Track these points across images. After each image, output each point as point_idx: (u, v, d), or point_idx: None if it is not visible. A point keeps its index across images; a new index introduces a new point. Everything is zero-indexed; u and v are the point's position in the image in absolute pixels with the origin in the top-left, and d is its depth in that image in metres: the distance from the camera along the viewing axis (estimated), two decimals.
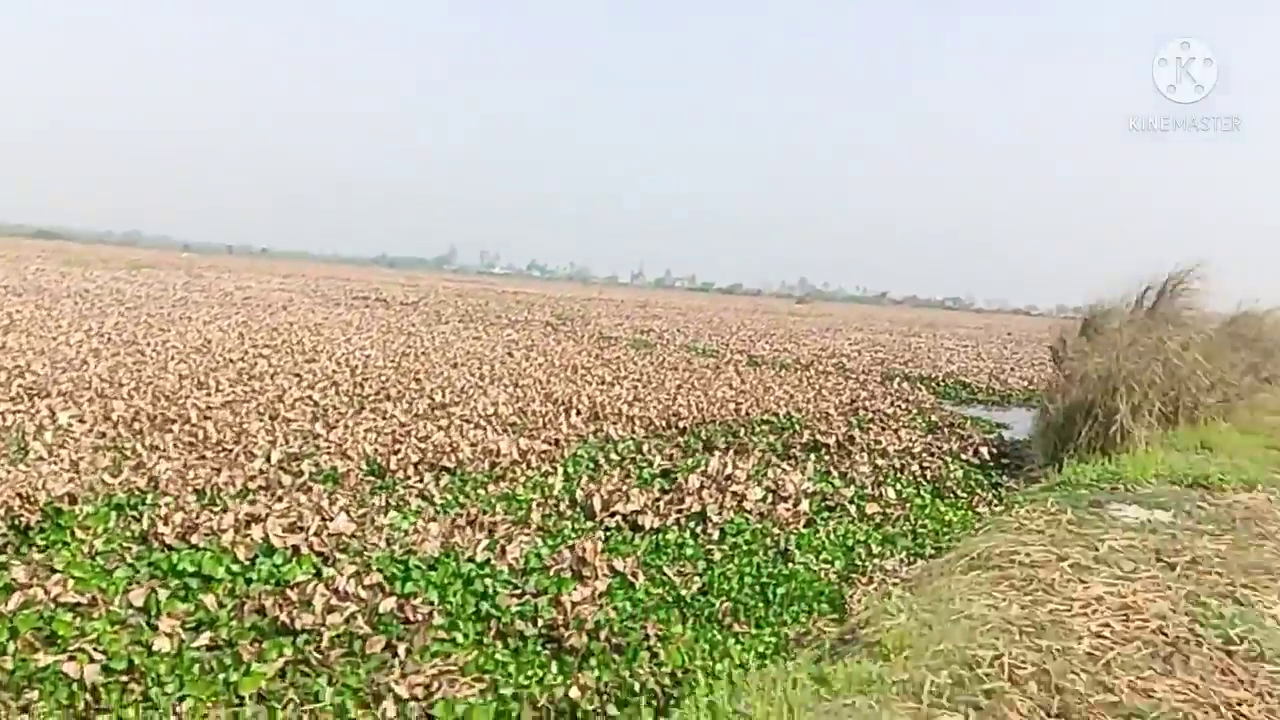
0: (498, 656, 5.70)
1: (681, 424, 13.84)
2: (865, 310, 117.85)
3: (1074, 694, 4.17)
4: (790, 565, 7.53)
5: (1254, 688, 4.48)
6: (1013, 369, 29.94)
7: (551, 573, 6.82)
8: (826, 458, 12.09)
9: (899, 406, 18.20)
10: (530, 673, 5.53)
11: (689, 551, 7.69)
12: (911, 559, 8.04)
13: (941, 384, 24.35)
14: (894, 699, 4.08)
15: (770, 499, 9.47)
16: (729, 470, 10.43)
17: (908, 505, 9.93)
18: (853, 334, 47.42)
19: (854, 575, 7.44)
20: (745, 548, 7.95)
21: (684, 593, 6.67)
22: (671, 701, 5.09)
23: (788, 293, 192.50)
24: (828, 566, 7.60)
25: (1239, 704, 4.25)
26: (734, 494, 9.37)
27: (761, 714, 3.72)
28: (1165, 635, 5.08)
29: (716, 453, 11.57)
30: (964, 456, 12.48)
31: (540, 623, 6.02)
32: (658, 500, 9.02)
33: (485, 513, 8.22)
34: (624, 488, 9.29)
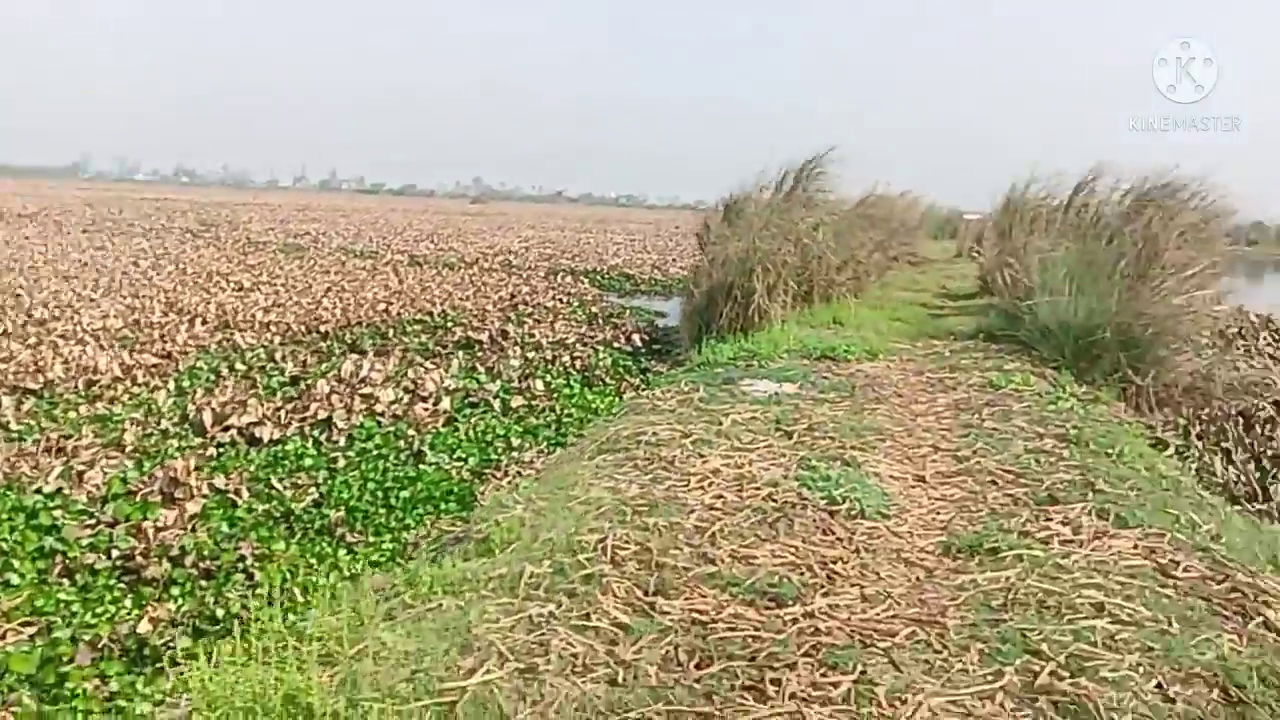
0: (60, 596, 4.89)
1: (324, 328, 12.97)
2: (541, 209, 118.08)
3: (674, 569, 4.01)
4: (421, 467, 7.08)
5: (851, 544, 4.53)
6: (675, 260, 30.83)
7: (137, 498, 5.98)
8: (479, 354, 11.70)
9: (560, 300, 18.11)
10: (100, 610, 4.78)
11: (309, 462, 7.05)
12: (552, 449, 7.82)
13: (606, 277, 24.59)
14: (488, 595, 3.74)
15: (408, 400, 8.95)
16: (364, 373, 9.80)
17: (555, 396, 9.73)
18: (525, 232, 47.16)
19: (488, 471, 7.11)
20: (375, 453, 7.42)
21: (295, 506, 6.07)
22: (256, 623, 4.52)
23: (463, 193, 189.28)
24: (461, 464, 7.22)
25: (834, 561, 4.26)
26: (365, 397, 8.77)
27: (326, 628, 3.25)
28: (775, 501, 5.08)
29: (353, 356, 10.88)
30: (616, 345, 12.50)
31: (115, 554, 5.23)
32: (280, 409, 8.27)
33: (70, 437, 7.16)
34: (243, 398, 8.43)
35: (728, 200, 13.72)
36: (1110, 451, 6.46)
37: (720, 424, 6.60)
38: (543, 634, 3.36)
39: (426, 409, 8.69)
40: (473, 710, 2.84)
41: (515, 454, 7.63)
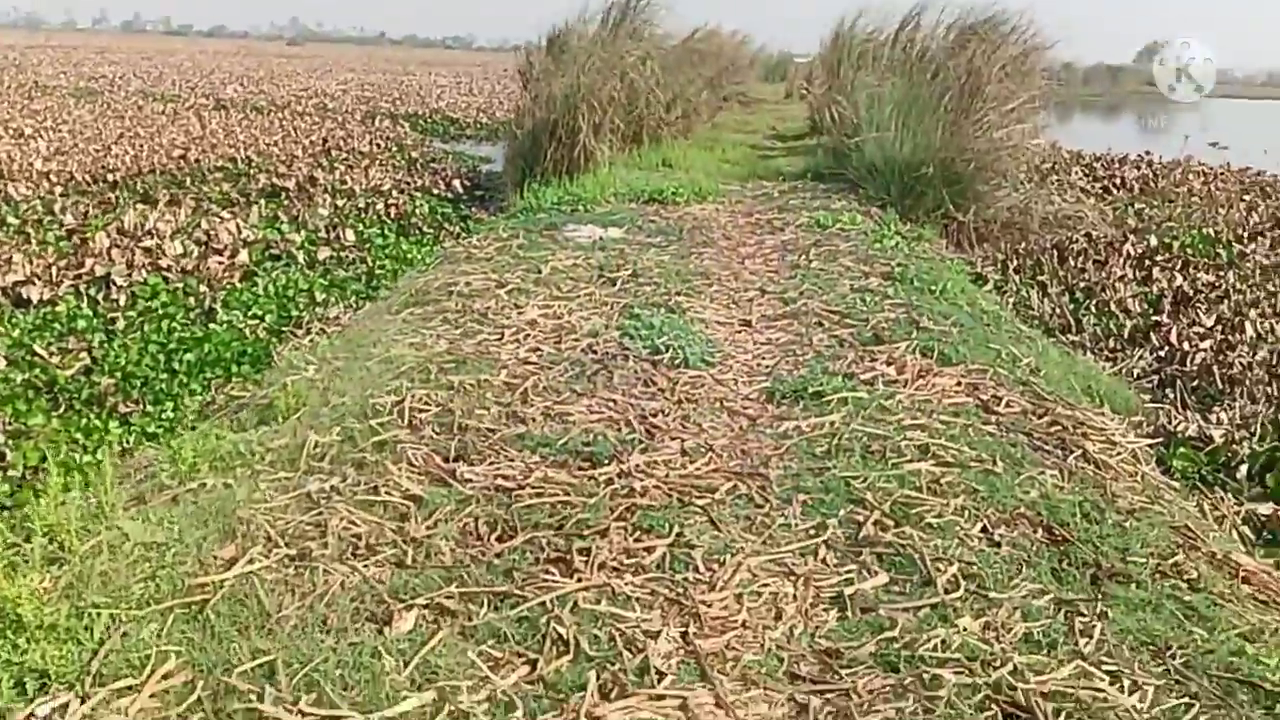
0: None
1: (113, 177, 11.76)
2: (363, 51, 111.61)
3: (479, 431, 3.65)
4: (211, 326, 6.44)
5: (673, 395, 4.27)
6: (502, 103, 29.58)
7: None
8: (285, 203, 10.83)
9: (377, 146, 17.03)
10: None
11: (82, 324, 6.31)
12: (360, 303, 7.27)
13: (429, 121, 23.39)
14: (263, 471, 3.31)
15: (201, 253, 8.17)
16: (151, 224, 8.90)
17: (367, 247, 9.09)
18: (343, 75, 44.35)
19: (287, 330, 6.53)
20: (160, 312, 6.71)
21: (62, 375, 5.39)
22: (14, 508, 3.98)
23: (279, 34, 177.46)
24: (257, 323, 6.60)
25: (654, 415, 4.00)
26: (150, 251, 7.96)
27: (56, 520, 2.76)
28: (594, 353, 4.77)
29: (141, 206, 9.89)
30: (436, 192, 11.79)
31: None
32: (52, 266, 7.40)
33: None
34: (8, 255, 7.50)
35: (551, 34, 12.94)
36: (934, 288, 6.39)
37: (540, 272, 6.20)
38: (321, 513, 2.97)
39: (221, 263, 7.94)
40: (227, 609, 2.45)
41: (319, 310, 7.04)
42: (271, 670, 2.22)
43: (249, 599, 2.50)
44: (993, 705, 2.12)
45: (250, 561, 2.66)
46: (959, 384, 4.49)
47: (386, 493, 3.11)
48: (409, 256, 8.98)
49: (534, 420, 3.82)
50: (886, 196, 9.90)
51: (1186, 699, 2.18)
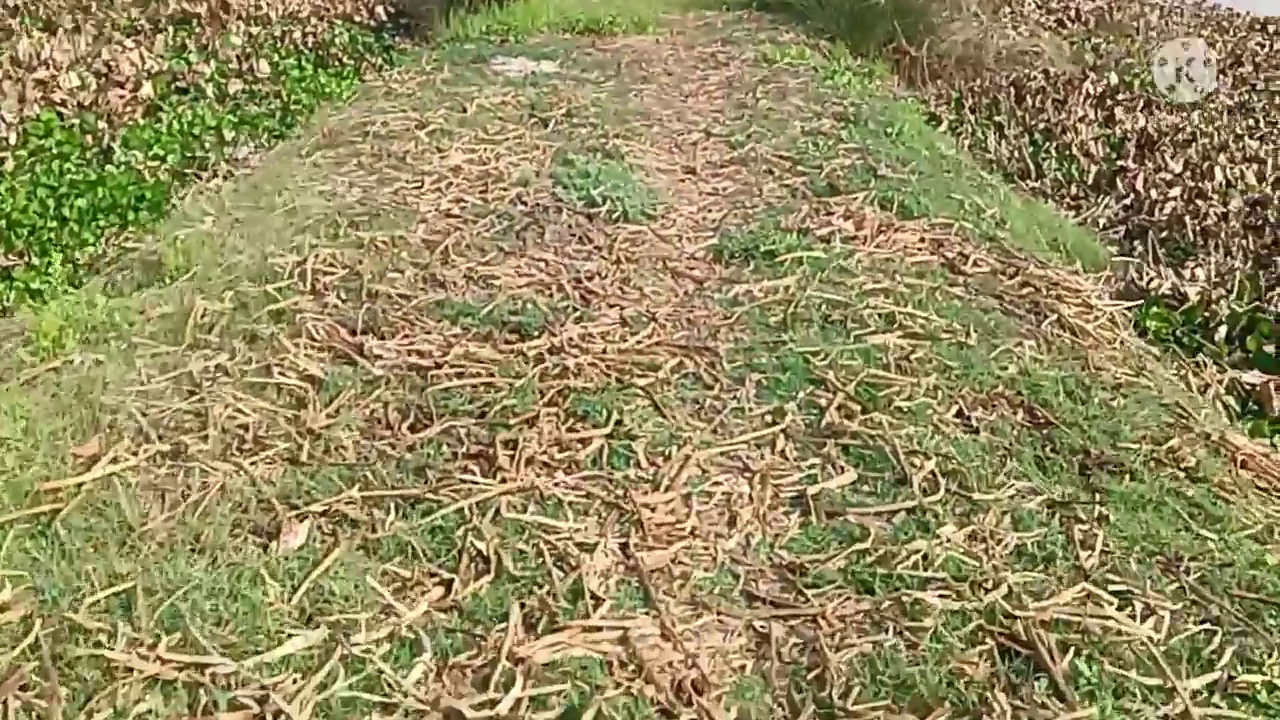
0: None
1: (13, 1, 10.69)
2: None
3: (392, 298, 3.23)
4: (108, 168, 5.82)
5: (611, 254, 3.86)
6: None
7: None
8: (195, 30, 9.92)
9: None
10: None
11: None
12: (273, 142, 6.65)
13: None
14: (141, 344, 2.87)
15: (100, 86, 7.41)
16: (48, 53, 8.06)
17: (283, 80, 8.35)
18: None
19: (191, 172, 5.93)
20: (53, 152, 6.06)
21: None
22: None
23: None
24: (159, 164, 5.99)
25: (591, 277, 3.60)
26: (44, 83, 7.18)
27: None
28: (524, 205, 4.31)
29: (36, 33, 8.96)
30: (358, 19, 10.88)
31: None
32: None
33: None
34: None
35: None
36: (889, 131, 5.95)
37: (465, 111, 5.63)
38: (203, 399, 2.56)
39: (122, 96, 7.19)
40: (81, 522, 2.06)
41: (228, 149, 6.43)
42: (129, 602, 1.86)
43: (109, 508, 2.12)
44: (986, 638, 1.84)
45: (114, 460, 2.27)
46: (922, 240, 4.13)
47: (281, 373, 2.71)
48: (327, 90, 8.25)
49: (455, 285, 3.40)
50: (836, 28, 9.30)
51: (1208, 625, 1.91)
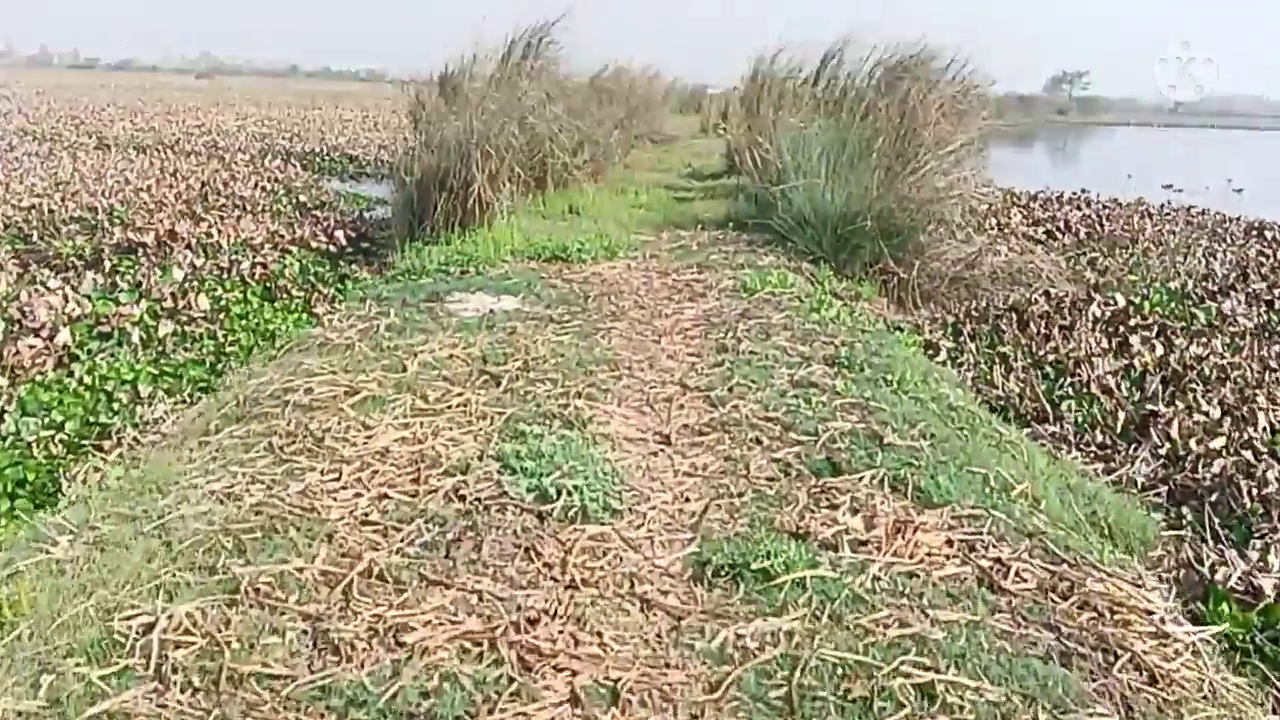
0: None
1: None
2: (275, 84, 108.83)
3: (260, 682, 2.39)
4: None
5: (564, 575, 3.06)
6: (407, 139, 28.18)
7: None
8: (135, 262, 9.40)
9: (262, 189, 15.59)
10: None
11: None
12: (198, 396, 5.92)
13: (326, 159, 21.95)
14: None
15: (12, 333, 6.75)
16: None
17: (223, 316, 7.74)
18: (246, 109, 42.50)
19: (90, 443, 5.16)
20: None
21: None
22: None
23: (190, 68, 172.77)
24: (54, 433, 5.22)
25: (536, 621, 2.79)
26: None
27: None
28: (462, 500, 3.54)
29: None
30: (316, 244, 10.44)
31: None
32: None
33: None
34: None
35: (444, 73, 11.73)
36: (889, 377, 5.30)
37: (404, 370, 4.94)
38: None
39: (34, 346, 6.54)
40: None
41: (145, 408, 5.69)
42: None
43: None
44: None
45: None
46: (949, 543, 3.35)
47: None
48: (271, 327, 7.65)
49: (352, 649, 2.57)
50: (819, 250, 8.87)
51: None
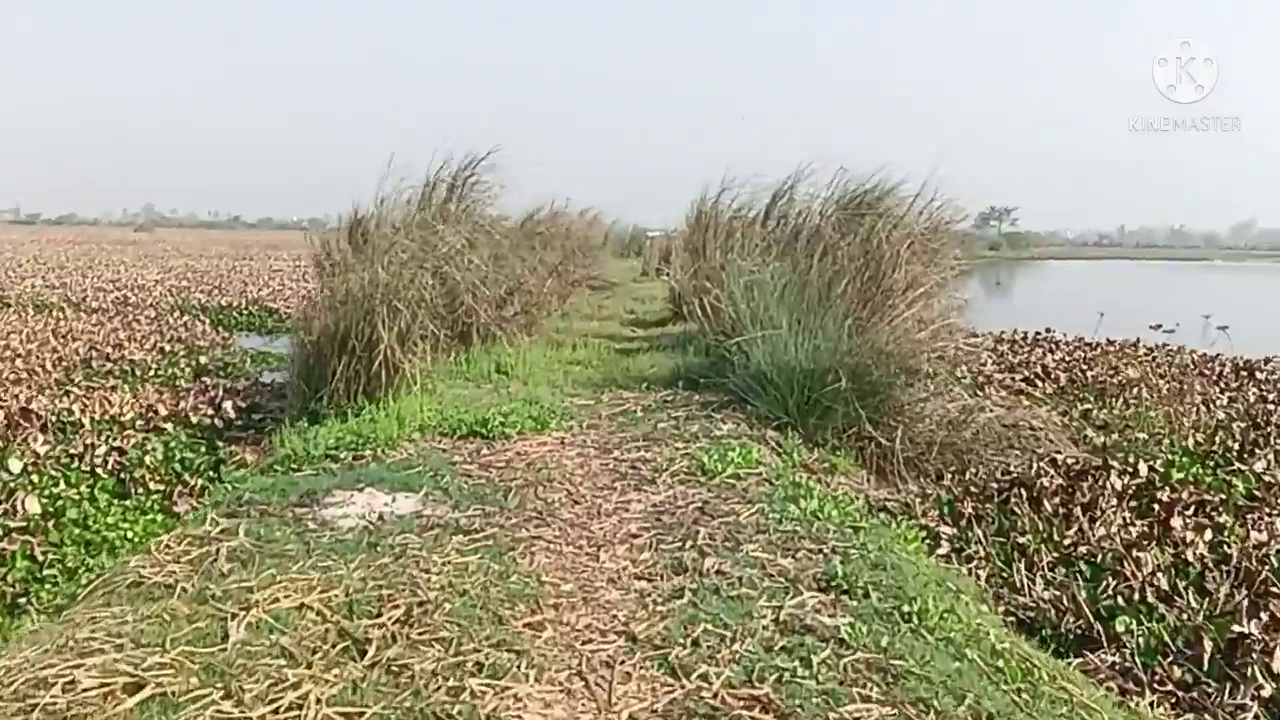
0: None
1: None
2: (214, 235, 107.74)
3: None
4: None
5: None
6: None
7: None
8: None
9: (161, 350, 14.11)
10: None
11: None
12: None
13: (243, 314, 20.56)
14: None
15: None
16: None
17: (53, 522, 6.19)
18: (174, 262, 41.13)
19: None
20: None
21: None
22: None
23: (130, 221, 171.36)
24: None
25: None
26: None
27: None
28: None
29: None
30: (196, 418, 8.94)
31: None
32: None
33: None
34: None
35: (354, 218, 10.51)
36: (905, 609, 3.92)
37: (227, 636, 3.45)
38: None
39: None
40: None
41: None
42: None
43: None
44: None
45: None
46: None
47: None
48: (110, 537, 6.12)
49: None
50: (784, 414, 7.58)
51: None
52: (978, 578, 5.41)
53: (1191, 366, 12.34)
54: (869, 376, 7.45)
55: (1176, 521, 5.81)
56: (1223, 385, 10.92)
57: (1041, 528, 5.93)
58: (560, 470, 6.12)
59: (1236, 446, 7.84)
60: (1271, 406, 9.44)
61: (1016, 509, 6.27)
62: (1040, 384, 10.51)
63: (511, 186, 12.26)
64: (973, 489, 6.78)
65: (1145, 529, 5.86)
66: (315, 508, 5.16)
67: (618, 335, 14.21)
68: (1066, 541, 5.70)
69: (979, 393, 8.49)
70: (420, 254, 8.62)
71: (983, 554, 5.68)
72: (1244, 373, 11.96)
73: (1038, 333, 15.35)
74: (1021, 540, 5.79)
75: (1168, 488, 6.50)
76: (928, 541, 5.82)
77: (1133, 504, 6.26)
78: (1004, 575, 5.41)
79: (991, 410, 7.72)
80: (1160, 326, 15.11)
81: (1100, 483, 6.61)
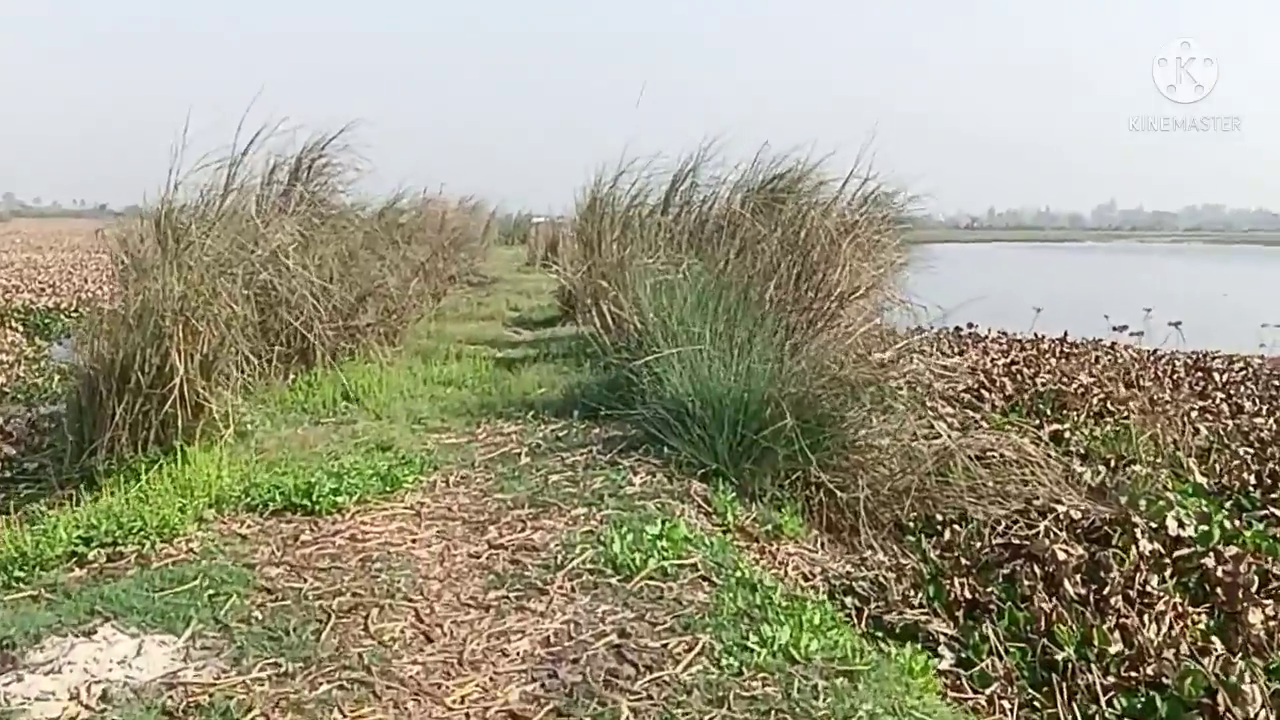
0: None
1: None
2: (78, 224, 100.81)
3: None
4: None
5: None
6: None
7: None
8: None
9: None
10: None
11: None
12: None
13: (73, 315, 17.93)
14: None
15: None
16: None
17: None
18: (18, 255, 37.36)
19: None
20: None
21: None
22: None
23: None
24: None
25: None
26: None
27: None
28: None
29: None
30: None
31: None
32: None
33: None
34: None
35: (166, 205, 8.36)
36: None
37: None
38: None
39: None
40: None
41: None
42: None
43: None
44: None
45: None
46: None
47: None
48: None
49: None
50: (711, 459, 5.86)
51: None
52: (1003, 712, 3.84)
53: (1139, 366, 11.09)
54: (816, 408, 5.79)
55: (1254, 616, 4.29)
56: (1186, 389, 9.65)
57: (1072, 625, 4.35)
58: (409, 570, 4.29)
59: (1252, 479, 6.46)
60: (1261, 420, 8.14)
61: (1030, 592, 4.70)
62: (988, 394, 9.03)
63: (371, 173, 10.29)
64: (962, 559, 5.19)
65: (1211, 624, 4.35)
66: (8, 673, 3.24)
67: (500, 339, 12.33)
68: (1113, 649, 4.13)
69: (927, 412, 6.84)
70: (231, 256, 6.61)
71: (1002, 672, 4.08)
72: (1198, 372, 10.77)
73: (958, 327, 13.97)
74: (1049, 646, 4.21)
75: (1212, 554, 4.99)
76: (927, 646, 4.23)
77: (1184, 582, 4.74)
78: (1042, 713, 3.83)
79: (962, 441, 6.13)
80: (1126, 328, 13.43)
81: (1125, 546, 5.09)
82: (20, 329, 15.73)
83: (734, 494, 5.60)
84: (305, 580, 4.13)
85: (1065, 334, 13.32)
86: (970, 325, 14.08)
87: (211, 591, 3.94)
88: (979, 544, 5.42)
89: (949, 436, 5.92)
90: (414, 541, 4.68)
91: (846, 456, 5.84)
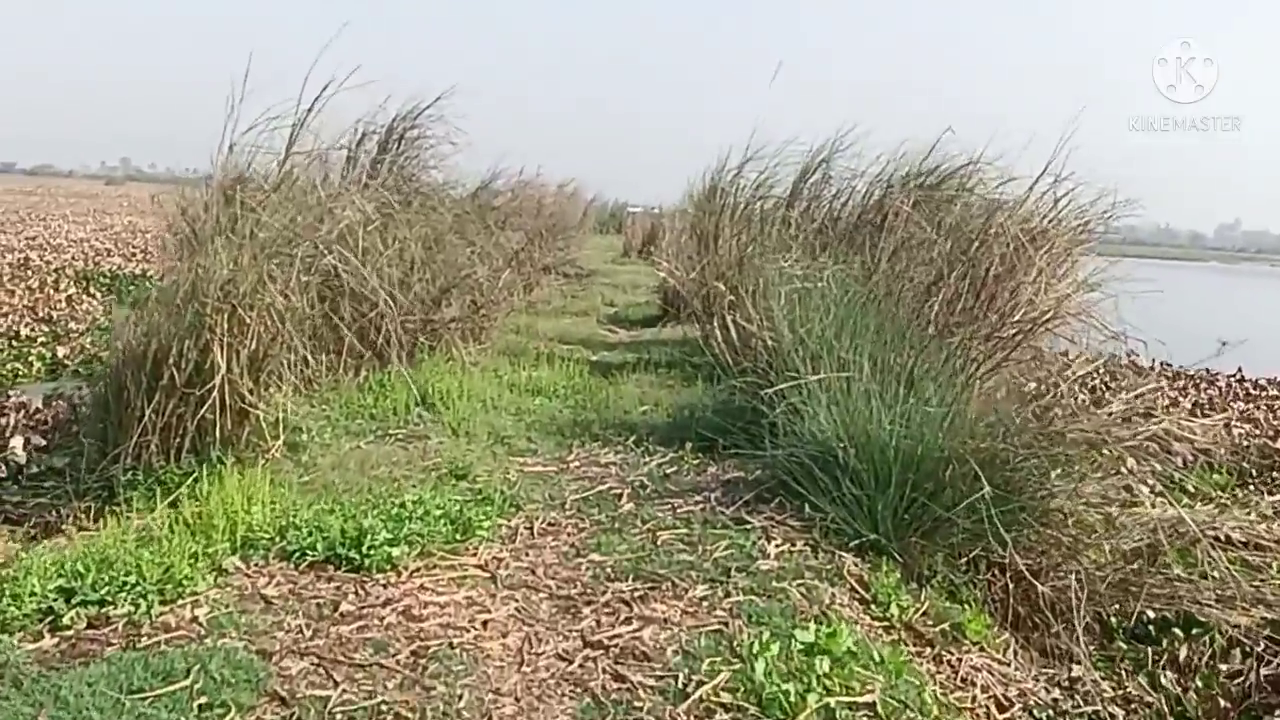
0: None
1: None
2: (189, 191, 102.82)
3: None
4: None
5: None
6: None
7: None
8: None
9: (17, 334, 10.96)
10: None
11: None
12: None
13: (157, 283, 17.22)
14: None
15: None
16: None
17: None
18: (120, 219, 37.48)
19: None
20: None
21: None
22: None
23: (107, 174, 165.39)
24: None
25: None
26: None
27: None
28: None
29: None
30: None
31: None
32: None
33: None
34: None
35: (234, 173, 7.37)
36: None
37: None
38: None
39: None
40: None
41: None
42: None
43: None
44: None
45: None
46: None
47: None
48: None
49: None
50: (867, 526, 4.58)
51: None
52: None
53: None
54: (1014, 468, 4.48)
55: None
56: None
57: None
58: (473, 678, 3.12)
59: None
60: None
61: None
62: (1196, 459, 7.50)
63: (467, 148, 9.20)
64: (1217, 694, 3.83)
65: None
66: None
67: (594, 338, 11.20)
68: None
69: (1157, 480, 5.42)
70: (292, 234, 5.52)
71: None
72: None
73: (1159, 363, 12.01)
74: None
75: None
76: None
77: None
78: None
79: (1201, 522, 4.74)
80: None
81: None
82: (97, 296, 15.05)
83: (898, 574, 4.33)
84: (334, 683, 2.99)
85: (1240, 370, 11.63)
86: (1164, 363, 12.12)
87: (204, 700, 2.82)
88: (1227, 666, 4.07)
89: (1186, 517, 4.53)
90: (484, 626, 3.51)
91: (1044, 534, 4.53)
